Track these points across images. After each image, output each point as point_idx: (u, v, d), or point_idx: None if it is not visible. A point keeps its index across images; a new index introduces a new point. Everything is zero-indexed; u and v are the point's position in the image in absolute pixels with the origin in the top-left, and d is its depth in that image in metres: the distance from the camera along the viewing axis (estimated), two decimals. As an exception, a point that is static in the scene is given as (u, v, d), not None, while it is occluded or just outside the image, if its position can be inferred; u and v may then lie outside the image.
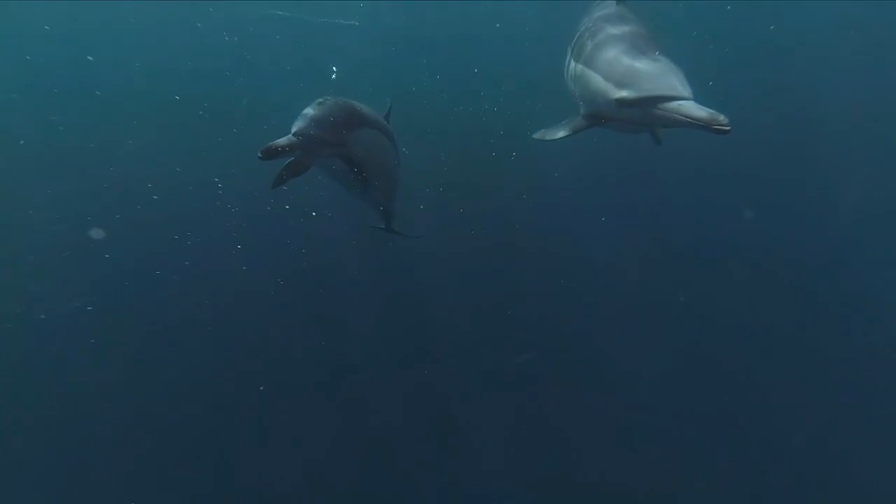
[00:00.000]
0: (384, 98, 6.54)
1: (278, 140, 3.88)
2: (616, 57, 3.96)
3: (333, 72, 11.25)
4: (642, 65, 3.71)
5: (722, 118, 3.19)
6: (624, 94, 3.71)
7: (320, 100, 4.23)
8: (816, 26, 11.60)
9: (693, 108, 3.36)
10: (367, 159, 4.62)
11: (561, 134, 4.33)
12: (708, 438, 6.95)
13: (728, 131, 3.17)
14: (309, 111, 4.09)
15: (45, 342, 8.04)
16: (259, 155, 3.73)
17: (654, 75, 3.60)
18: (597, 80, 4.04)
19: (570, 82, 4.66)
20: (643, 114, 3.68)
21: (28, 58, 14.04)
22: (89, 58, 14.00)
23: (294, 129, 4.00)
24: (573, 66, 4.52)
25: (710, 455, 6.81)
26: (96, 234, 8.93)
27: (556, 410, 7.25)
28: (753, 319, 8.38)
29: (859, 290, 8.57)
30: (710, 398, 7.33)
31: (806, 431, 6.96)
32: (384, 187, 5.48)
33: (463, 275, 8.85)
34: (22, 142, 11.33)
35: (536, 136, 4.47)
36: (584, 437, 6.92)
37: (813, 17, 11.55)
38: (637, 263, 8.99)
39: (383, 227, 5.98)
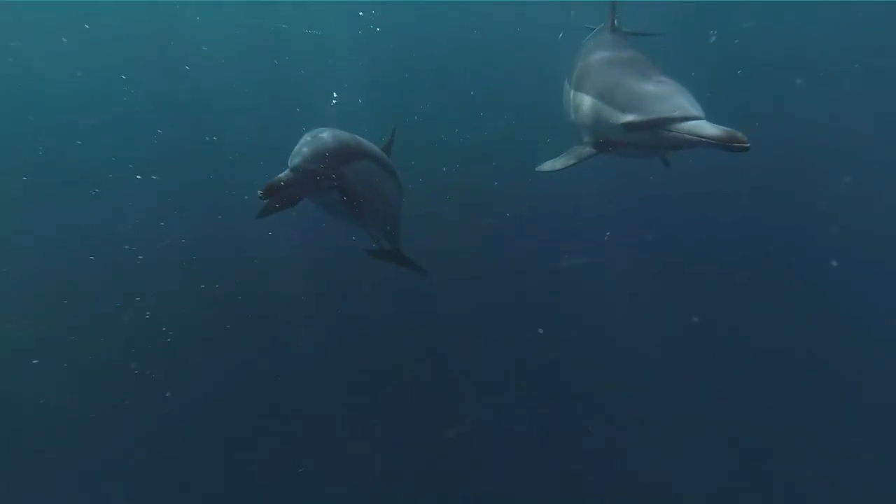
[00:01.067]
0: (386, 122, 6.46)
1: (278, 176, 3.81)
2: (619, 81, 3.89)
3: (334, 98, 11.11)
4: (648, 87, 3.65)
5: (740, 135, 3.09)
6: (631, 117, 3.63)
7: (315, 132, 4.16)
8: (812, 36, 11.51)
9: (707, 127, 3.26)
10: (364, 191, 4.53)
11: (566, 164, 4.23)
12: (715, 447, 6.87)
13: (748, 148, 3.07)
14: (305, 144, 4.01)
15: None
16: (260, 194, 3.66)
17: (662, 96, 3.53)
18: (600, 107, 3.96)
19: (571, 112, 4.59)
20: (653, 137, 3.59)
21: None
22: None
23: (292, 164, 3.93)
24: (573, 96, 4.46)
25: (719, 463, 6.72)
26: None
27: (565, 428, 7.24)
28: (765, 334, 8.23)
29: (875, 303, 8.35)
30: (722, 413, 7.27)
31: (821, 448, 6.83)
32: (383, 219, 5.41)
33: (468, 303, 8.70)
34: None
35: (540, 168, 4.37)
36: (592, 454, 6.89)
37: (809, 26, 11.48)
38: (646, 281, 8.87)
39: (389, 250, 5.85)
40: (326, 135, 4.13)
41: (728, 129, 3.16)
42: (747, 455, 6.86)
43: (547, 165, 4.32)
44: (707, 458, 6.65)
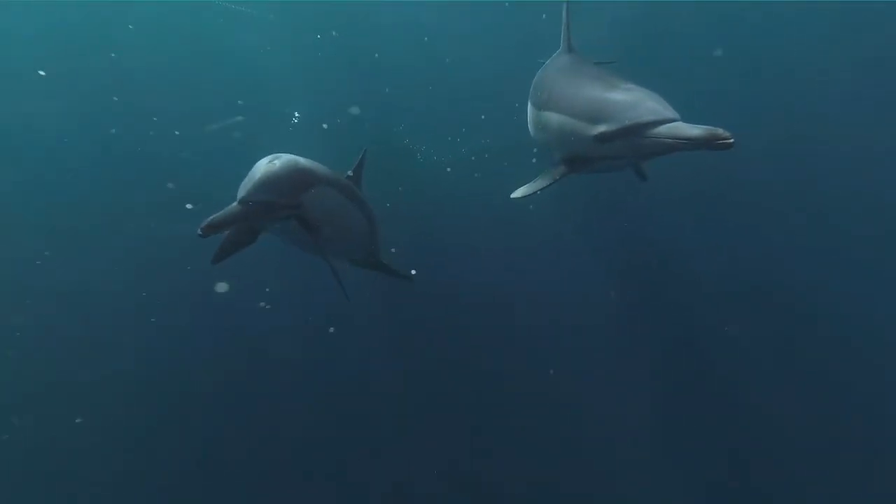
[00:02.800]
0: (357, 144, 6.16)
1: (223, 211, 3.42)
2: (584, 94, 3.74)
3: (295, 117, 10.42)
4: (616, 95, 3.48)
5: (721, 131, 2.91)
6: (602, 128, 3.43)
7: (268, 159, 3.80)
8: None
9: (686, 128, 3.10)
10: (324, 220, 4.20)
11: (540, 186, 4.00)
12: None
13: (732, 144, 2.89)
14: (256, 174, 3.66)
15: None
16: (199, 232, 3.26)
17: (632, 103, 3.36)
18: (569, 122, 3.76)
19: (538, 133, 4.42)
20: (628, 146, 3.41)
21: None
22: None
23: (241, 196, 3.56)
24: (539, 115, 4.29)
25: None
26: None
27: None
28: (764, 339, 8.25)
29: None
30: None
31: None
32: (349, 248, 5.17)
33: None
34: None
35: (515, 195, 4.11)
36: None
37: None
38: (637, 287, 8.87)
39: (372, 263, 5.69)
40: (279, 162, 3.78)
41: (708, 126, 2.99)
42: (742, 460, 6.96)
43: (520, 191, 4.08)
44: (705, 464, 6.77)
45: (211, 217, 3.33)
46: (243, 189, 3.60)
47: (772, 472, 6.97)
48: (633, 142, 3.35)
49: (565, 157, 3.97)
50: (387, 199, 7.13)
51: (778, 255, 9.12)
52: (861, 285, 8.25)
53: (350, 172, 5.30)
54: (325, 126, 9.73)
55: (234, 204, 3.53)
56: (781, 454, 7.05)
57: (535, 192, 4.01)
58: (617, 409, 7.43)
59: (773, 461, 7.04)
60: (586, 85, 3.81)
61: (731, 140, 2.89)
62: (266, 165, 3.73)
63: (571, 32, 5.01)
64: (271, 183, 3.61)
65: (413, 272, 6.01)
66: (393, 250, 8.61)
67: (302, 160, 4.04)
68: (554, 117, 3.98)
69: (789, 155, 9.53)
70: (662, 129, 3.18)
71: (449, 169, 10.87)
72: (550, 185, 3.97)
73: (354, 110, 10.22)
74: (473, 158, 10.60)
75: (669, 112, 3.23)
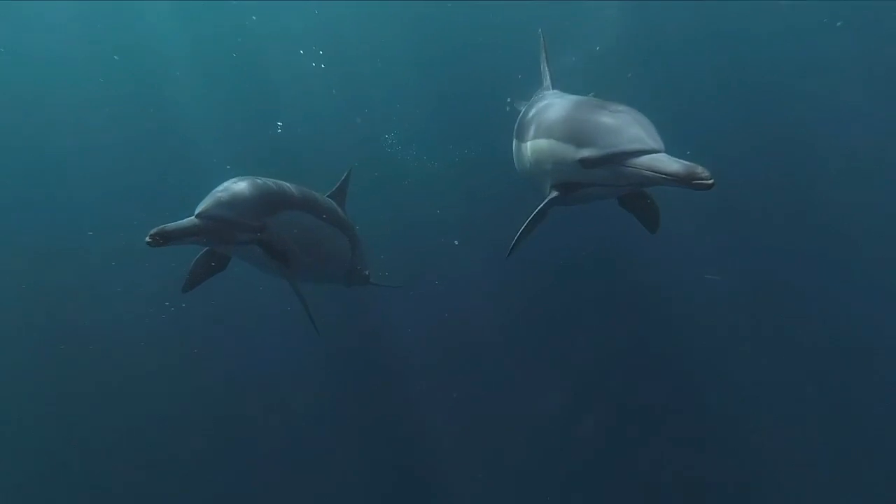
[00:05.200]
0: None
1: (176, 223, 3.19)
2: (572, 116, 3.50)
3: (279, 127, 10.05)
4: (603, 118, 3.23)
5: (700, 170, 2.69)
6: (586, 153, 3.19)
7: (234, 179, 3.63)
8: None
9: (666, 162, 2.87)
10: (293, 245, 3.99)
11: (531, 227, 3.77)
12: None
13: (711, 185, 2.69)
14: (219, 190, 3.48)
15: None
16: (147, 240, 3.01)
17: (616, 128, 3.11)
18: (555, 146, 3.50)
19: (525, 163, 4.15)
20: (611, 174, 3.18)
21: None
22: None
23: (198, 210, 3.34)
24: (524, 147, 4.04)
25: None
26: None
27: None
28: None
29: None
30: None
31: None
32: (325, 274, 4.96)
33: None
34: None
35: (511, 249, 3.87)
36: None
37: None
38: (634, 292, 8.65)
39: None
40: (244, 183, 3.59)
41: (689, 163, 2.77)
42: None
43: (515, 241, 3.82)
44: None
45: (163, 225, 3.10)
46: (202, 204, 3.39)
47: (771, 472, 6.92)
48: (615, 170, 3.12)
49: (553, 185, 3.72)
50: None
51: (773, 257, 8.81)
52: (860, 287, 8.12)
53: (332, 192, 5.10)
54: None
55: (191, 217, 3.32)
56: (781, 455, 6.99)
57: (528, 235, 3.81)
58: (615, 409, 7.46)
59: (772, 462, 6.99)
60: (573, 107, 3.61)
61: (711, 181, 2.69)
62: (229, 183, 3.56)
63: (550, 67, 4.92)
64: (232, 201, 3.43)
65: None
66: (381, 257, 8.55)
67: (270, 182, 3.84)
68: (540, 143, 3.75)
69: (782, 156, 9.29)
70: (643, 159, 2.96)
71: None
72: (540, 218, 3.76)
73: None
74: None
75: (653, 141, 3.00)
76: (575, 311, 8.53)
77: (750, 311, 8.37)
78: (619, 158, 3.04)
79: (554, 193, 3.64)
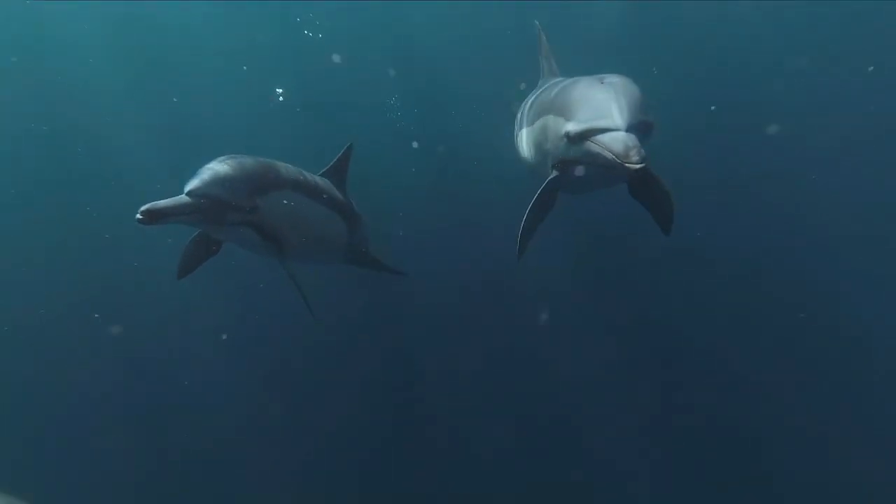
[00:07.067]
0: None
1: (166, 200, 3.17)
2: (566, 91, 3.38)
3: (279, 94, 9.43)
4: (592, 91, 3.08)
5: (634, 155, 2.64)
6: (570, 126, 3.04)
7: (224, 157, 3.58)
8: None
9: (615, 141, 2.75)
10: (287, 227, 3.95)
11: (536, 208, 3.60)
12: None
13: (636, 171, 2.68)
14: (208, 168, 3.45)
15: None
16: (138, 216, 3.00)
17: (597, 102, 2.95)
18: (549, 122, 3.42)
19: (527, 149, 4.09)
20: (586, 153, 3.04)
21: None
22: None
23: (187, 188, 3.31)
24: (526, 132, 4.00)
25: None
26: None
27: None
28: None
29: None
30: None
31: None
32: (322, 253, 4.90)
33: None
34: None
35: (519, 249, 3.72)
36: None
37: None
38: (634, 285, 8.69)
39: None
40: (233, 160, 3.55)
41: (630, 145, 2.68)
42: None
43: (521, 232, 3.64)
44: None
45: (154, 202, 3.07)
46: (192, 181, 3.36)
47: (772, 472, 6.92)
48: (588, 147, 2.95)
49: (550, 165, 3.56)
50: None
51: (773, 251, 8.78)
52: (859, 286, 8.02)
53: (325, 171, 4.97)
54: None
55: (182, 195, 3.28)
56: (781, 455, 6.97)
57: (534, 226, 3.68)
58: (614, 408, 7.32)
59: (772, 462, 6.99)
60: (570, 84, 3.49)
61: (638, 166, 2.65)
62: (219, 161, 3.52)
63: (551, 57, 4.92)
64: (222, 180, 3.40)
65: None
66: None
67: (262, 161, 3.80)
68: (539, 123, 3.67)
69: (779, 147, 9.17)
70: (604, 137, 2.81)
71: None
72: (543, 205, 3.61)
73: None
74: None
75: (620, 119, 2.80)
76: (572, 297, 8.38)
77: (752, 311, 8.25)
78: (589, 134, 2.91)
79: (554, 173, 3.50)
